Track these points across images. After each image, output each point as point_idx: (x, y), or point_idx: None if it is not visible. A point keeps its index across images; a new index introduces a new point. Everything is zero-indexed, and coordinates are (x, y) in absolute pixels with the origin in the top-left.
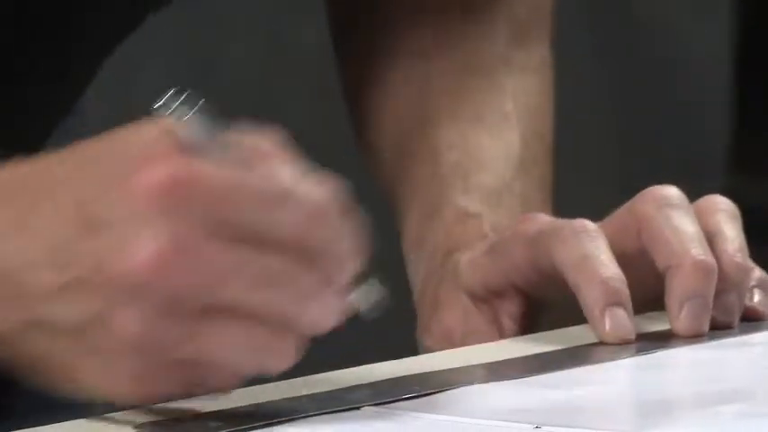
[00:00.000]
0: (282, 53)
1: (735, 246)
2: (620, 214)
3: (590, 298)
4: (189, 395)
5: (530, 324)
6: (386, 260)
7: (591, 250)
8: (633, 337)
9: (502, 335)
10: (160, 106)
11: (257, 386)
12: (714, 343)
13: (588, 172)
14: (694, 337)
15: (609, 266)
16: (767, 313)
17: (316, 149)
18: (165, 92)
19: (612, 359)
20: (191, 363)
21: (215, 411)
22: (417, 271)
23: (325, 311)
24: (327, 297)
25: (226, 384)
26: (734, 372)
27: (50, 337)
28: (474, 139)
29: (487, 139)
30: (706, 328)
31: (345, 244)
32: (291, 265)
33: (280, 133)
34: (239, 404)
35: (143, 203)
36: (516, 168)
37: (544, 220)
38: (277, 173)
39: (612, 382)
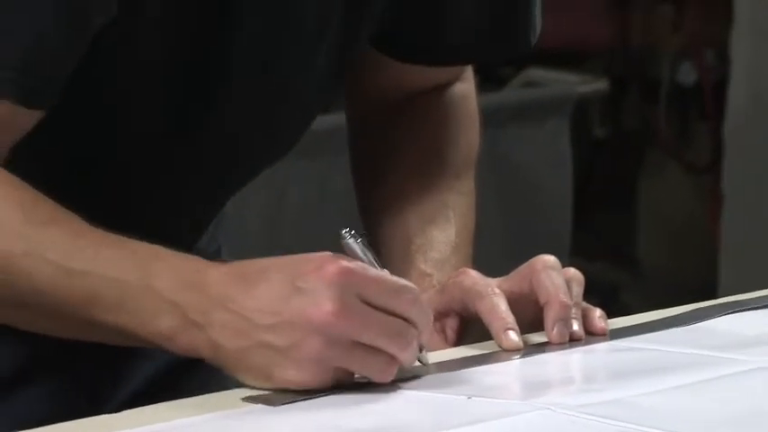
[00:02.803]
0: (326, 194)
1: (578, 294)
2: (522, 269)
3: (494, 329)
4: (337, 384)
5: (463, 333)
6: None
7: (495, 304)
8: (522, 347)
9: (446, 340)
10: (340, 236)
11: None
12: (571, 350)
13: (488, 254)
14: (560, 344)
15: (505, 312)
16: (582, 336)
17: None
18: (342, 230)
19: (511, 359)
20: (344, 369)
21: (262, 395)
22: None
23: (413, 355)
24: (415, 347)
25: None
26: (580, 366)
27: (265, 352)
28: (429, 232)
29: (437, 232)
30: (567, 339)
31: (424, 318)
32: (399, 326)
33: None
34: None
35: (327, 282)
36: (453, 249)
37: (473, 274)
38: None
39: (511, 372)
